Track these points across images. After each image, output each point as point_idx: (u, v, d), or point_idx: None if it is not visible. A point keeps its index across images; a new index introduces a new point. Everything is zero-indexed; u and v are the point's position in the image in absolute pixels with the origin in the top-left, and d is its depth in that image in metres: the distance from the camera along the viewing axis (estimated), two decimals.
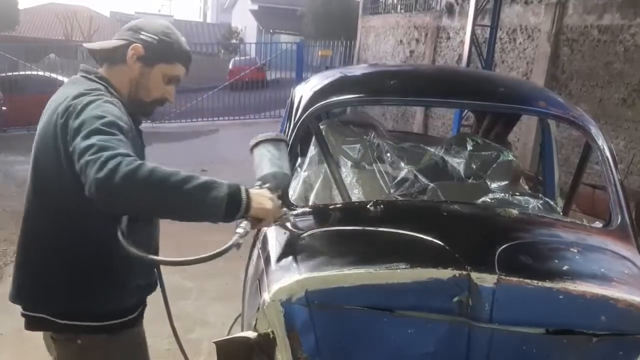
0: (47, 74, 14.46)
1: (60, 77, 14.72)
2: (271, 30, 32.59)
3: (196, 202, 1.59)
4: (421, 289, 1.78)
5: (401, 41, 13.30)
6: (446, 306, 1.76)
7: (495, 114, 3.71)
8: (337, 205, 2.39)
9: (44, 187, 1.80)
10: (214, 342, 1.95)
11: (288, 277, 1.82)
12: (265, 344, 1.82)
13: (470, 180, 3.11)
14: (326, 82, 2.74)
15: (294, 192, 3.14)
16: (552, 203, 2.60)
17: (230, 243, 1.68)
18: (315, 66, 17.82)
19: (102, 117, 1.64)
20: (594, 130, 2.45)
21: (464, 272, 1.75)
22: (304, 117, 2.43)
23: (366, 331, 1.79)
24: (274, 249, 2.06)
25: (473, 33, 8.74)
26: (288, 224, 2.18)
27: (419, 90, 2.62)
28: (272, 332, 1.81)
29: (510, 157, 3.12)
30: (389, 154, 3.12)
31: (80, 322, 1.82)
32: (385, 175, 3.05)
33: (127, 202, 1.57)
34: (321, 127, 3.22)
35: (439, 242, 1.94)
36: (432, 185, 3.01)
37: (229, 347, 1.87)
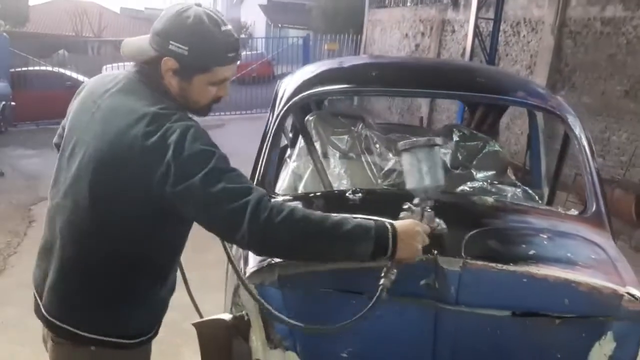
0: (56, 69, 14.62)
1: (68, 73, 14.92)
2: (280, 25, 32.62)
3: (346, 252, 1.62)
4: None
5: (407, 35, 13.30)
6: (414, 289, 1.81)
7: (486, 105, 3.75)
8: (317, 194, 2.45)
9: (103, 204, 1.63)
10: (192, 324, 2.02)
11: (262, 262, 1.89)
12: (241, 325, 1.89)
13: (456, 171, 3.15)
14: (310, 74, 2.80)
15: (282, 182, 3.21)
16: (530, 192, 2.64)
17: (374, 298, 1.66)
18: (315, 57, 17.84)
19: (209, 152, 1.53)
20: (572, 120, 2.49)
21: (431, 256, 1.81)
22: (286, 108, 2.49)
23: (336, 314, 1.85)
24: None
25: (476, 26, 8.74)
26: None
27: (398, 81, 2.66)
28: (247, 314, 1.88)
29: (497, 148, 3.17)
30: (377, 145, 3.17)
31: (103, 337, 1.71)
32: (373, 166, 3.10)
33: (283, 250, 1.61)
34: (310, 118, 3.28)
35: None
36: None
37: (207, 328, 1.94)
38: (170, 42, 1.60)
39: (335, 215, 1.58)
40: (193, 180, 1.49)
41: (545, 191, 3.20)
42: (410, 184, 1.76)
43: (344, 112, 3.37)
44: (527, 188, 2.64)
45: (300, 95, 2.50)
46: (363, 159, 3.13)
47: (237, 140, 11.41)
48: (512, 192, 2.56)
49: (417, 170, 1.73)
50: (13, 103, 12.48)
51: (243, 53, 24.98)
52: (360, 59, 4.33)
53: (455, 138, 3.15)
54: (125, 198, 1.59)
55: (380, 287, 1.65)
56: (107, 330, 1.71)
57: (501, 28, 9.50)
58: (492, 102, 3.05)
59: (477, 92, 2.61)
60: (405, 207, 1.76)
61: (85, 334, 1.70)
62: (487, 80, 2.70)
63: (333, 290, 1.86)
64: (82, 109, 1.75)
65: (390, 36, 14.17)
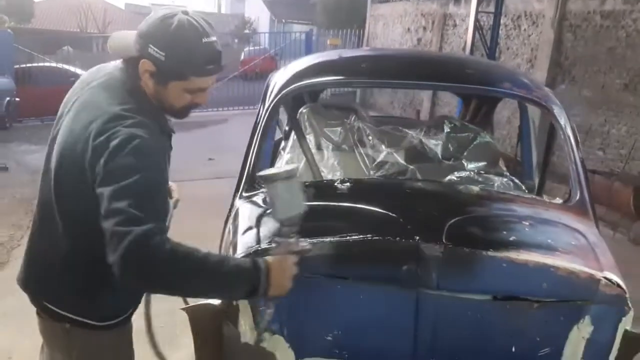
0: (61, 65, 14.69)
1: (72, 69, 14.98)
2: (284, 20, 32.65)
3: (222, 296, 1.81)
4: (372, 258, 1.89)
5: (409, 29, 13.32)
6: (395, 274, 1.86)
7: (479, 97, 3.79)
8: (306, 183, 2.50)
9: (65, 197, 1.72)
10: (182, 309, 2.08)
11: (249, 248, 1.94)
12: (230, 311, 1.95)
13: (448, 162, 3.20)
14: (300, 66, 2.84)
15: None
16: (517, 181, 2.68)
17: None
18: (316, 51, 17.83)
19: (135, 169, 1.54)
20: (557, 110, 2.53)
21: (412, 242, 1.86)
22: (276, 99, 2.54)
23: (321, 298, 1.91)
24: (242, 223, 2.18)
25: (477, 20, 8.76)
26: (257, 200, 2.31)
27: (387, 72, 2.71)
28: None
29: (488, 139, 3.21)
30: (369, 137, 3.22)
31: (70, 315, 1.79)
32: (365, 158, 3.15)
33: (158, 288, 1.64)
34: (303, 110, 3.33)
35: (393, 215, 2.05)
36: (410, 167, 3.11)
37: (197, 314, 2.00)
38: (150, 45, 1.61)
39: (215, 260, 1.60)
40: (107, 188, 1.53)
41: (537, 182, 3.24)
42: (273, 214, 1.79)
43: (337, 104, 3.41)
44: (514, 178, 2.69)
45: (290, 87, 2.55)
46: (356, 151, 3.18)
47: (240, 135, 11.41)
48: (500, 182, 2.61)
49: (280, 201, 1.74)
50: (17, 99, 12.57)
51: (246, 48, 24.88)
52: (352, 52, 4.38)
53: (447, 129, 3.19)
54: (78, 190, 1.64)
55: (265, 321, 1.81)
56: (78, 311, 1.78)
57: (502, 22, 9.51)
58: (478, 93, 3.09)
59: (464, 84, 2.66)
60: (272, 242, 1.85)
61: (59, 311, 1.79)
62: (475, 71, 2.74)
63: (320, 275, 1.91)
64: (68, 99, 1.81)
65: (392, 30, 14.19)
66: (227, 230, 2.32)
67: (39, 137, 10.95)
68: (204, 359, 2.16)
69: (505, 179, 2.64)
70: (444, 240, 1.87)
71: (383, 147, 3.23)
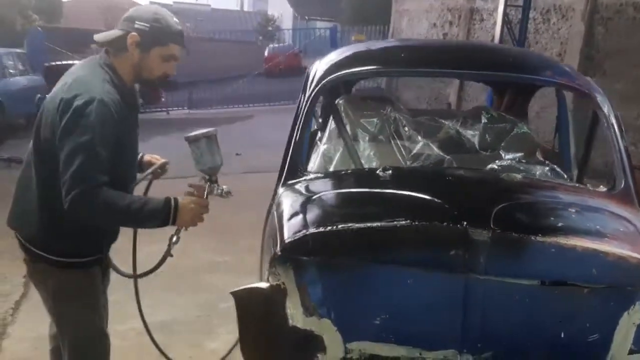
0: None
1: None
2: (307, 17, 32.67)
3: (141, 224, 2.24)
4: (420, 243, 1.90)
5: (434, 24, 13.23)
6: (443, 259, 1.87)
7: (514, 88, 3.76)
8: (348, 172, 2.52)
9: (41, 146, 2.15)
10: (231, 293, 2.12)
11: (297, 233, 1.97)
12: (277, 294, 1.98)
13: (485, 153, 3.19)
14: (340, 56, 2.86)
15: (313, 164, 3.29)
16: (559, 170, 2.66)
17: (163, 256, 2.32)
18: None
19: (91, 128, 2.01)
20: (600, 98, 2.51)
21: (461, 227, 1.86)
22: (317, 89, 2.56)
23: (369, 283, 1.93)
24: (287, 209, 2.21)
25: (505, 14, 8.67)
26: (300, 187, 2.34)
27: (426, 61, 2.71)
28: (283, 283, 1.96)
29: (525, 130, 3.19)
30: (405, 128, 3.22)
31: (42, 252, 2.22)
32: (402, 149, 3.15)
33: (90, 222, 2.14)
34: (339, 101, 3.35)
35: (439, 201, 2.06)
36: (447, 157, 3.11)
37: (245, 297, 2.04)
38: (136, 22, 2.15)
39: (136, 207, 2.08)
40: (65, 140, 2.01)
41: (575, 173, 3.22)
42: (196, 166, 2.25)
43: (373, 95, 3.42)
44: (555, 167, 2.67)
45: (331, 77, 2.58)
46: (392, 142, 3.18)
47: (266, 131, 11.53)
48: (541, 171, 2.59)
49: (199, 156, 2.23)
50: (47, 96, 12.74)
51: (270, 45, 25.07)
52: (389, 42, 4.37)
53: (484, 120, 3.18)
54: (49, 140, 2.08)
55: (173, 241, 2.27)
56: (47, 249, 2.21)
57: (530, 16, 9.39)
58: (521, 82, 3.07)
59: (505, 72, 2.64)
60: (189, 186, 2.26)
61: (34, 250, 2.23)
62: (515, 59, 2.74)
63: (368, 260, 1.92)
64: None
65: (418, 26, 14.11)
66: (271, 216, 2.35)
67: None
68: (248, 343, 2.19)
69: (547, 168, 2.62)
70: (492, 226, 1.87)
71: (419, 137, 3.23)
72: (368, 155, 3.10)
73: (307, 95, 2.62)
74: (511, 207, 2.02)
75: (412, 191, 2.18)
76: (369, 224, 1.92)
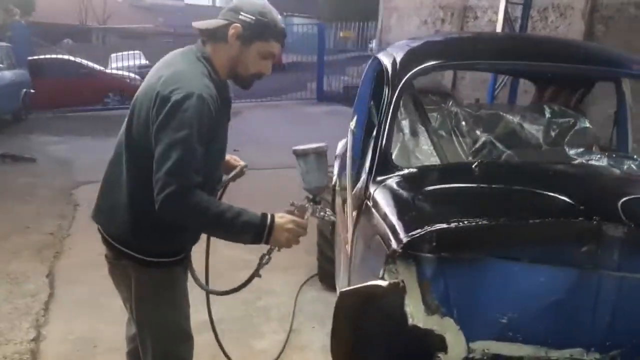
0: (73, 58, 14.55)
1: (85, 62, 14.84)
2: (284, 13, 32.46)
3: (231, 236, 2.06)
4: (551, 239, 1.85)
5: (426, 21, 13.24)
6: (575, 255, 1.82)
7: (561, 83, 3.74)
8: (441, 166, 2.46)
9: (133, 142, 2.06)
10: (342, 292, 2.04)
11: (419, 229, 1.89)
12: (395, 292, 1.90)
13: (546, 147, 3.17)
14: (423, 46, 2.80)
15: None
16: None
17: (251, 274, 2.19)
18: (333, 49, 17.78)
19: (189, 125, 1.90)
20: None
21: (594, 222, 1.81)
22: (405, 80, 2.49)
23: (496, 280, 1.86)
24: (393, 206, 2.14)
25: (507, 11, 8.70)
26: (398, 184, 2.27)
27: (513, 54, 2.67)
28: (402, 281, 1.89)
29: (587, 124, 3.18)
30: (467, 122, 3.18)
31: (127, 250, 2.13)
32: (463, 143, 3.11)
33: (179, 222, 2.02)
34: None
35: (558, 195, 2.01)
36: (508, 152, 3.08)
37: (349, 299, 1.97)
38: (241, 13, 2.03)
39: (229, 216, 1.95)
40: (161, 136, 1.90)
41: None
42: (303, 183, 2.14)
43: (433, 89, 3.37)
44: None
45: (419, 68, 2.51)
46: (453, 137, 3.14)
47: (257, 127, 11.42)
48: (629, 164, 2.56)
49: (305, 172, 2.12)
50: (33, 90, 12.42)
51: None
52: (464, 34, 4.29)
53: (547, 115, 3.16)
54: (144, 135, 1.99)
55: (264, 261, 2.14)
56: (132, 247, 2.12)
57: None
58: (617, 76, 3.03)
59: (599, 66, 2.61)
60: (291, 204, 2.13)
61: (119, 247, 2.14)
62: (603, 54, 2.71)
63: (494, 257, 1.86)
64: (152, 70, 2.14)
65: (407, 23, 14.10)
66: (367, 217, 2.28)
67: (57, 128, 10.85)
68: (341, 345, 2.13)
69: (636, 162, 2.59)
70: (624, 219, 1.83)
71: (481, 132, 3.20)
72: (428, 150, 3.05)
73: (392, 87, 2.53)
74: (634, 201, 1.97)
75: (520, 186, 2.13)
76: (498, 220, 1.86)
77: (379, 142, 2.45)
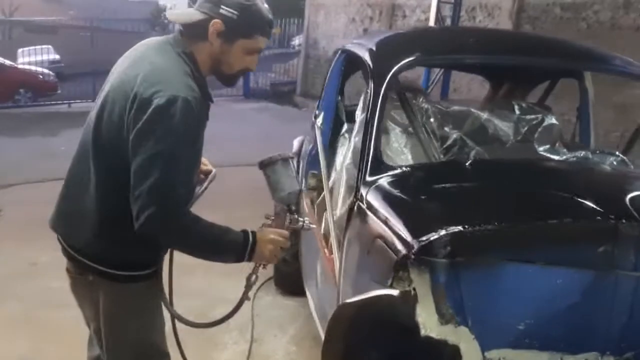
0: None
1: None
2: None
3: (216, 256, 1.92)
4: (568, 241, 1.78)
5: (354, 19, 13.27)
6: (592, 257, 1.76)
7: (516, 79, 3.74)
8: (434, 165, 2.35)
9: (102, 141, 1.83)
10: (347, 302, 1.90)
11: (431, 233, 1.76)
12: (405, 302, 1.77)
13: (512, 143, 3.15)
14: (405, 41, 2.68)
15: (344, 158, 3.08)
16: (626, 159, 2.64)
17: (240, 298, 2.02)
18: None
19: (174, 133, 1.69)
20: None
21: (610, 222, 1.76)
22: (389, 77, 2.36)
23: (512, 285, 1.77)
24: (395, 209, 2.00)
25: (439, 10, 8.82)
26: (393, 185, 2.14)
27: (499, 50, 2.60)
28: (414, 289, 1.76)
29: (554, 120, 3.18)
30: (437, 119, 3.10)
31: (93, 264, 1.89)
32: (434, 140, 3.03)
33: (167, 246, 1.91)
34: (368, 92, 3.16)
35: (566, 194, 1.94)
36: (477, 148, 3.03)
37: (350, 310, 1.83)
38: (222, 6, 1.78)
39: (216, 230, 1.83)
40: (143, 145, 1.68)
41: None
42: (273, 193, 2.00)
43: (404, 85, 3.26)
44: (624, 157, 2.64)
45: (403, 63, 2.39)
46: (423, 134, 3.05)
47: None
48: (610, 160, 2.56)
49: (276, 182, 1.98)
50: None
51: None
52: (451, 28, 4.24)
53: (517, 111, 3.14)
54: (116, 138, 1.76)
55: (252, 281, 2.00)
56: (100, 260, 1.88)
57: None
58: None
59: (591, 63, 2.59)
60: (266, 217, 2.02)
61: (84, 260, 1.90)
62: (590, 51, 2.70)
63: (507, 261, 1.77)
64: (121, 60, 1.94)
65: (335, 20, 14.08)
66: (360, 220, 2.13)
67: None
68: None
69: (618, 158, 2.59)
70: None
71: (448, 129, 3.14)
72: (398, 147, 2.95)
73: (377, 83, 2.39)
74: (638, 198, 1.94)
75: (517, 185, 2.06)
76: (515, 222, 1.77)
77: (367, 141, 2.31)
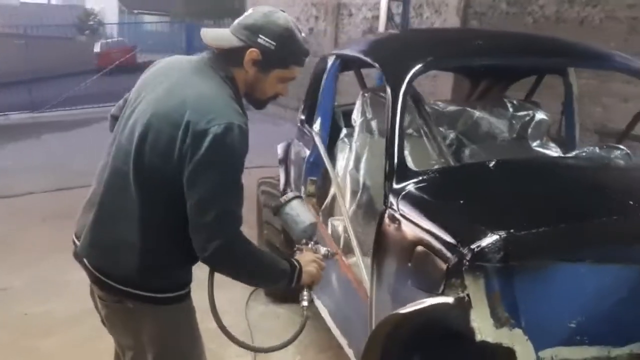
0: None
1: None
2: (135, 11, 30.95)
3: (270, 282, 2.06)
4: (616, 238, 1.83)
5: (298, 18, 13.20)
6: (631, 254, 1.82)
7: (494, 77, 3.82)
8: (460, 168, 2.38)
9: (146, 173, 1.76)
10: (402, 313, 1.88)
11: (483, 238, 1.77)
12: (461, 307, 1.77)
13: (507, 140, 3.22)
14: (417, 43, 2.68)
15: (347, 163, 3.06)
16: (630, 153, 2.74)
17: (302, 321, 2.04)
18: (199, 47, 17.16)
19: (233, 161, 1.69)
20: None
21: None
22: (408, 79, 2.36)
23: (563, 285, 1.80)
24: (437, 215, 2.00)
25: (389, 8, 8.91)
26: (425, 190, 2.15)
27: (507, 51, 2.64)
28: (468, 295, 1.76)
29: (544, 116, 3.28)
30: (434, 121, 3.13)
31: (136, 291, 1.83)
32: (432, 142, 3.06)
33: (227, 274, 1.82)
34: (366, 95, 3.16)
35: (598, 192, 2.00)
36: (473, 146, 3.09)
37: (419, 316, 1.82)
38: (260, 36, 1.77)
39: (267, 264, 1.87)
40: (204, 174, 1.66)
41: None
42: (292, 232, 2.07)
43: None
44: (628, 150, 2.73)
45: (419, 67, 2.39)
46: (422, 135, 3.08)
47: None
48: (616, 154, 2.63)
49: (295, 216, 2.03)
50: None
51: (102, 41, 23.37)
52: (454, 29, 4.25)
53: (510, 108, 3.21)
54: (164, 165, 1.71)
55: (307, 304, 2.03)
56: (143, 285, 1.81)
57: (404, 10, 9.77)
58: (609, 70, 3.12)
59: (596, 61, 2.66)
60: (296, 248, 2.09)
61: (121, 287, 1.81)
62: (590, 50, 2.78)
63: (557, 261, 1.80)
64: (152, 79, 1.88)
65: None
66: (394, 228, 2.12)
67: None
68: None
69: (624, 152, 2.67)
70: None
71: (443, 130, 3.18)
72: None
73: (395, 88, 2.38)
74: None
75: (558, 187, 2.10)
76: (566, 223, 1.80)
77: (391, 148, 2.29)
